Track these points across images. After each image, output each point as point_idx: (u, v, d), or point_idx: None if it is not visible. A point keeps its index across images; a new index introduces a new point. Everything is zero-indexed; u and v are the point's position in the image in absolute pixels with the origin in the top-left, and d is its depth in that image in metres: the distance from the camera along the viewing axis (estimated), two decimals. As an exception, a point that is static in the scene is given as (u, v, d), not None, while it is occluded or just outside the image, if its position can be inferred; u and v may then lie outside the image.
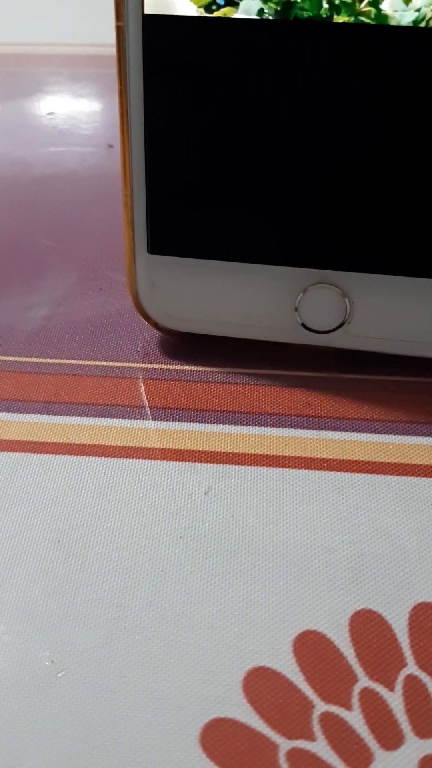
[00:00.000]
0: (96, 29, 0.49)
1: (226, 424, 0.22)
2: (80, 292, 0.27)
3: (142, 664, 0.16)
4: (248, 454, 0.21)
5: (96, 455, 0.21)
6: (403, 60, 0.19)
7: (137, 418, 0.22)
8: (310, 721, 0.15)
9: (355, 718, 0.15)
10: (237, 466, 0.20)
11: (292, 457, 0.21)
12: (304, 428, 0.21)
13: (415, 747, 0.15)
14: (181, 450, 0.21)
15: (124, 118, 0.21)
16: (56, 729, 0.15)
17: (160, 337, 0.25)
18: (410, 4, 0.18)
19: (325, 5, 0.19)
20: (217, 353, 0.24)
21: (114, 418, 0.22)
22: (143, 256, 0.22)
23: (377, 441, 0.21)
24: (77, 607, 0.17)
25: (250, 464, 0.20)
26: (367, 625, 0.17)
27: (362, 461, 0.20)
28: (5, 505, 0.19)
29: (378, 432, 0.21)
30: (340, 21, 0.19)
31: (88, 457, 0.21)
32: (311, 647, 0.16)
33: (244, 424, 0.22)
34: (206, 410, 0.22)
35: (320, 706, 0.15)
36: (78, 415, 0.22)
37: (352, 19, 0.19)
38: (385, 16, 0.18)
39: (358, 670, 0.16)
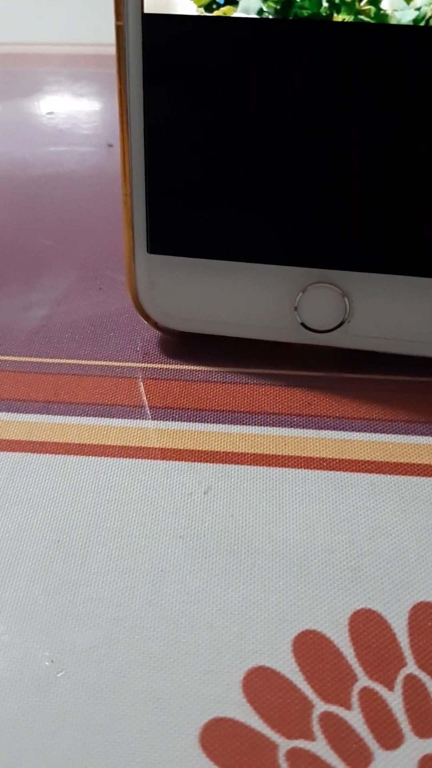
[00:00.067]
0: (96, 29, 0.49)
1: (225, 423, 0.22)
2: (80, 291, 0.27)
3: (141, 664, 0.16)
4: (248, 453, 0.21)
5: (95, 455, 0.21)
6: (403, 59, 0.19)
7: (137, 418, 0.22)
8: (310, 721, 0.15)
9: (354, 718, 0.15)
10: (237, 466, 0.20)
11: (291, 456, 0.21)
12: (303, 428, 0.21)
13: (414, 746, 0.15)
14: (180, 450, 0.21)
15: (124, 118, 0.21)
16: (56, 729, 0.15)
17: (159, 336, 0.25)
18: (410, 3, 0.18)
19: (325, 4, 0.19)
20: (216, 353, 0.24)
21: (113, 417, 0.22)
22: (143, 255, 0.22)
23: (377, 440, 0.21)
24: (77, 607, 0.17)
25: (250, 464, 0.20)
26: (367, 625, 0.17)
27: (362, 461, 0.20)
28: (5, 505, 0.19)
29: (378, 431, 0.21)
30: (340, 20, 0.19)
31: (87, 457, 0.21)
32: (311, 647, 0.16)
33: (243, 424, 0.22)
34: (206, 410, 0.22)
35: (320, 706, 0.15)
36: (78, 415, 0.22)
37: (352, 17, 0.19)
38: (385, 15, 0.18)
39: (358, 669, 0.16)
